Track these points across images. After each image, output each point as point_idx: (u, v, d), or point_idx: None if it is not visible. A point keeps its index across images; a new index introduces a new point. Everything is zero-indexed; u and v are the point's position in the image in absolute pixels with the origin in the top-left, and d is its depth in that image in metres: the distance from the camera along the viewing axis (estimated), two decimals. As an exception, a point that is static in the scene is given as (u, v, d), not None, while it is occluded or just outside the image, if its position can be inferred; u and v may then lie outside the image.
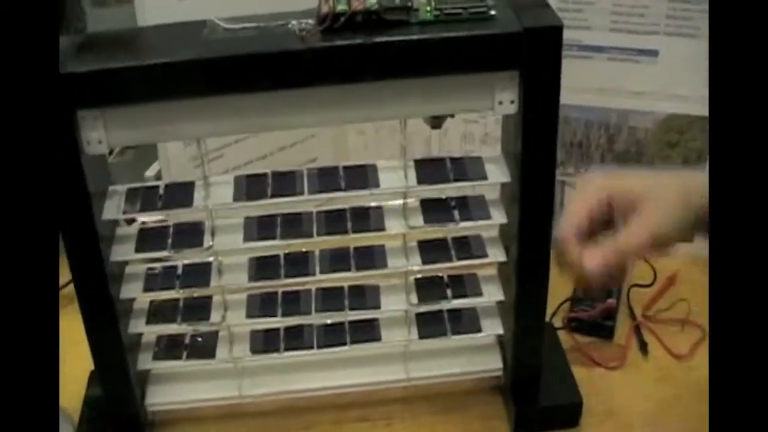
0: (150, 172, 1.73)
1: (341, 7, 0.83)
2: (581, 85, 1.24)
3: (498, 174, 0.94)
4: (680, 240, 0.78)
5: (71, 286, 0.92)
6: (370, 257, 0.97)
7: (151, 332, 1.02)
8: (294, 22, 0.84)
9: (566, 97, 0.86)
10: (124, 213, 0.94)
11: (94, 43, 0.88)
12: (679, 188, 0.78)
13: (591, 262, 0.78)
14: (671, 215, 0.76)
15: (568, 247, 0.81)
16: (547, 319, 1.10)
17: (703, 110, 1.23)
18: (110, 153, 0.98)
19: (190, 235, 0.97)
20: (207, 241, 0.96)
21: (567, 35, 0.83)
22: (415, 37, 0.82)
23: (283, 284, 0.98)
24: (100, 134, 0.86)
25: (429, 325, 1.02)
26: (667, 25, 1.20)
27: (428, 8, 0.85)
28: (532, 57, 0.83)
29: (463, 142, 1.28)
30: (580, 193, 0.83)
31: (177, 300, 1.01)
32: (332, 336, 1.02)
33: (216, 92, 0.84)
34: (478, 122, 1.25)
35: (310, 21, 0.84)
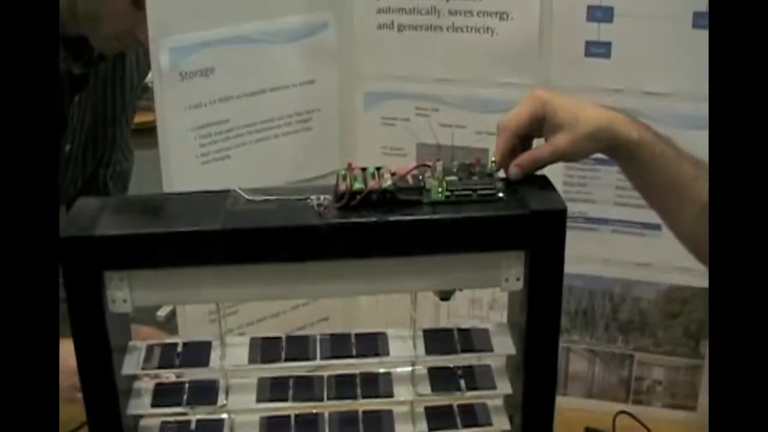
0: (161, 312, 1.76)
1: (358, 185, 0.87)
2: (586, 256, 1.27)
3: (503, 346, 0.96)
4: (583, 158, 1.00)
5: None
6: (378, 421, 0.98)
7: (161, 486, 1.02)
8: (313, 197, 0.88)
9: (571, 267, 0.88)
10: (143, 369, 0.95)
11: (124, 208, 0.92)
12: (596, 123, 0.96)
13: (512, 172, 0.95)
14: (579, 144, 0.95)
15: (503, 135, 0.97)
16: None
17: (705, 282, 1.25)
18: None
19: (205, 392, 0.97)
20: (221, 399, 0.97)
21: (573, 208, 0.86)
22: (426, 216, 0.86)
23: (293, 444, 0.99)
24: (125, 294, 0.88)
25: (434, 489, 1.02)
26: (670, 201, 1.24)
27: (440, 189, 0.88)
28: (538, 238, 0.86)
29: (471, 307, 1.30)
30: (526, 99, 0.98)
31: (188, 455, 1.01)
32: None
33: (236, 261, 0.86)
34: (486, 288, 1.27)
35: (328, 197, 0.88)
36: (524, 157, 0.95)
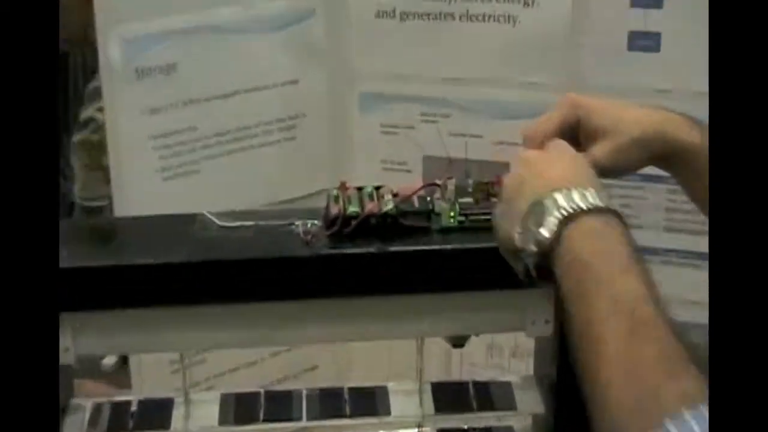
0: (108, 360, 1.75)
1: (353, 209, 0.87)
2: (630, 293, 1.27)
3: (529, 403, 0.96)
4: (629, 172, 0.98)
5: None
6: (377, 497, 0.98)
7: None
8: (298, 222, 0.88)
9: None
10: (88, 433, 0.95)
11: (66, 236, 0.92)
12: (643, 127, 0.93)
13: None
14: (622, 153, 0.92)
15: (530, 147, 0.93)
16: None
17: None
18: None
19: (166, 461, 0.98)
20: (184, 470, 0.97)
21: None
22: (436, 246, 0.86)
23: None
24: (66, 342, 0.88)
25: None
26: (731, 225, 1.24)
27: (452, 213, 0.88)
28: (571, 272, 0.86)
29: (488, 355, 1.30)
30: (558, 105, 0.95)
31: None
32: None
33: (206, 301, 0.86)
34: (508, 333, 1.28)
35: (317, 222, 0.88)
36: None
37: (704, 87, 1.27)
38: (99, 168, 1.69)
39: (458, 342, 0.95)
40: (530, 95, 1.32)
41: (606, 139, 0.93)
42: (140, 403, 0.97)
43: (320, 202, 0.91)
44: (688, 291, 1.28)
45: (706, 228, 1.22)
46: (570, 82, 1.31)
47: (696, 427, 0.62)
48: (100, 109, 1.39)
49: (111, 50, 1.22)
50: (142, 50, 1.26)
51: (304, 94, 1.41)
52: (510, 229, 0.79)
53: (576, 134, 0.95)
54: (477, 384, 0.98)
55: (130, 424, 0.95)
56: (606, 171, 0.95)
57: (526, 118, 0.99)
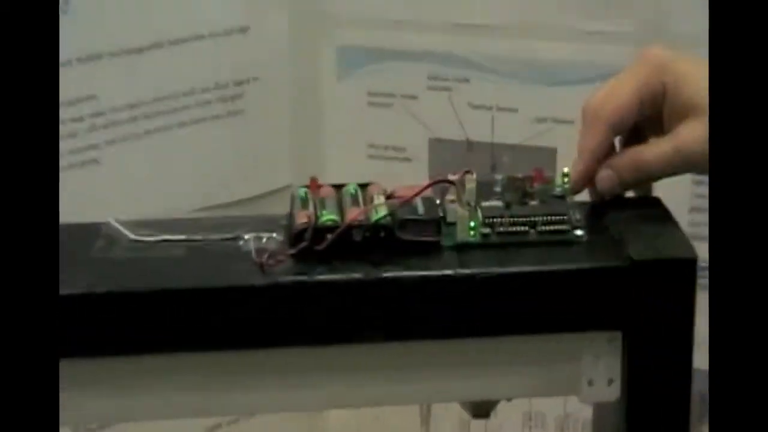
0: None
1: (328, 216, 0.86)
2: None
3: (585, 498, 0.95)
4: None
5: None
6: None
7: None
8: (248, 236, 0.88)
9: (705, 360, 0.87)
10: None
11: None
12: None
13: (602, 180, 0.97)
14: None
15: (593, 128, 0.97)
16: None
17: None
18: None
19: None
20: None
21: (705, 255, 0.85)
22: (449, 271, 0.85)
23: None
24: None
25: None
26: None
27: (472, 224, 0.88)
28: (645, 309, 0.86)
29: (525, 428, 1.31)
30: (634, 66, 0.98)
31: None
32: None
33: (116, 351, 0.86)
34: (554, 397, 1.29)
35: (276, 236, 0.88)
36: (624, 159, 0.96)
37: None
38: None
39: (481, 410, 0.95)
40: (589, 50, 1.32)
41: (698, 119, 0.93)
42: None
43: (281, 206, 0.92)
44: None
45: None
46: (647, 31, 1.32)
47: None
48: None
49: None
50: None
51: (256, 48, 1.42)
52: None
53: (659, 110, 0.95)
54: (508, 470, 0.98)
55: None
56: (696, 164, 0.95)
57: (582, 84, 0.98)
